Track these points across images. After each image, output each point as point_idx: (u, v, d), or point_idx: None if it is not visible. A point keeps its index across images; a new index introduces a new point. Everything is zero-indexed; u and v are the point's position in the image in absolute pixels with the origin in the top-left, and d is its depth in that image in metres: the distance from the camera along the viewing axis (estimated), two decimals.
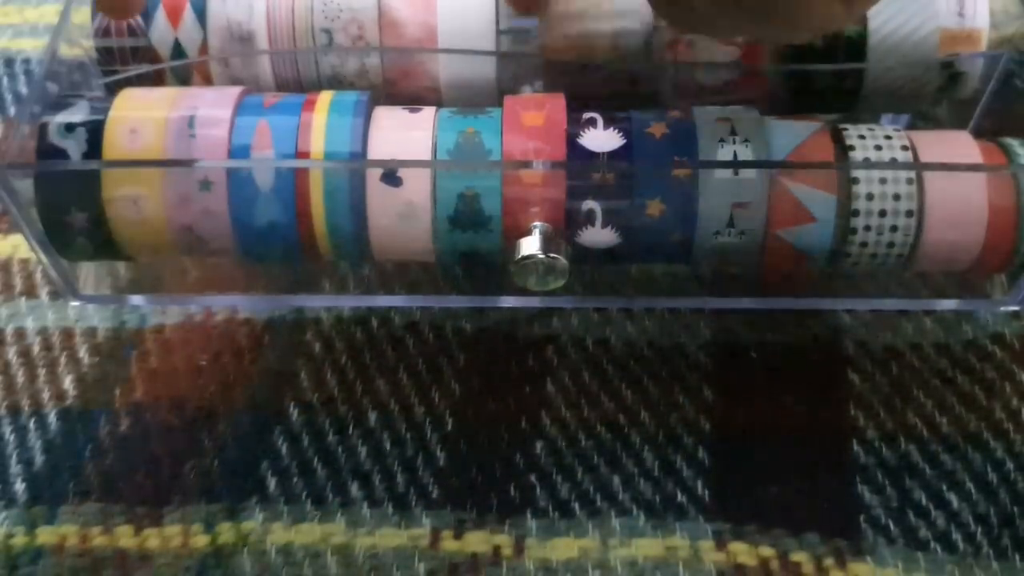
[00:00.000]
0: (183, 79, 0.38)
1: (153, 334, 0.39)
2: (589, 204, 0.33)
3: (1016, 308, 0.38)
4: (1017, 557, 0.33)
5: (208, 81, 0.38)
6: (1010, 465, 0.35)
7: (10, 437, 0.36)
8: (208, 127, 0.33)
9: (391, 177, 0.33)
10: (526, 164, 0.33)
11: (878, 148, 0.34)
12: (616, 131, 0.34)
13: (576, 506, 0.34)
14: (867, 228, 0.33)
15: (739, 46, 0.37)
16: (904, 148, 0.34)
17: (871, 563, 0.32)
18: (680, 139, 0.34)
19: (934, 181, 0.33)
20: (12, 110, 0.48)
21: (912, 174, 0.33)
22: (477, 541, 0.33)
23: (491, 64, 0.37)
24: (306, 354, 0.38)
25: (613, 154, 0.33)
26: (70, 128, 0.33)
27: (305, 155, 0.33)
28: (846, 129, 0.35)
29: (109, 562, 0.33)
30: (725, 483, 0.34)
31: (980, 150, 0.34)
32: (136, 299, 0.40)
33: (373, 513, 0.34)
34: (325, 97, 0.34)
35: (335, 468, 0.35)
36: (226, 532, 0.33)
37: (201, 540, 0.33)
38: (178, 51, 0.38)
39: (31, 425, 0.37)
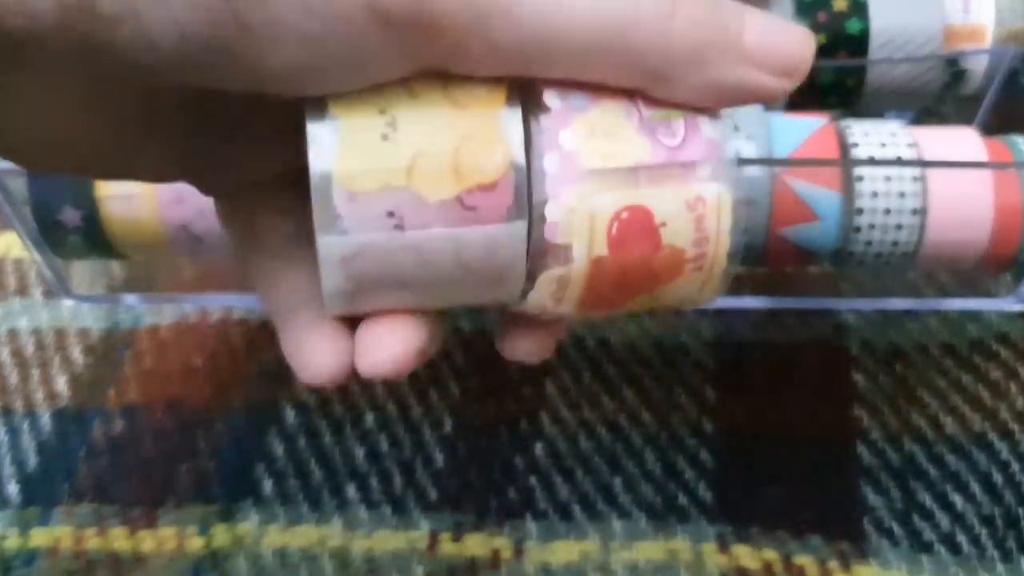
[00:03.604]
0: None
1: (147, 334, 0.39)
2: None
3: (1022, 308, 0.37)
4: (1022, 559, 0.32)
5: None
6: (1015, 466, 0.34)
7: (3, 438, 0.36)
8: None
9: None
10: None
11: (882, 145, 0.33)
12: None
13: (576, 508, 0.34)
14: (871, 226, 0.33)
15: None
16: (909, 145, 0.33)
17: (875, 566, 0.32)
18: None
19: (939, 178, 0.33)
20: None
21: (917, 172, 0.33)
22: (476, 544, 0.33)
23: None
24: None
25: None
26: None
27: None
28: (850, 126, 0.34)
29: (103, 564, 0.33)
30: (728, 485, 0.34)
31: (986, 147, 0.34)
32: (130, 299, 0.39)
33: (370, 515, 0.34)
34: None
35: (331, 470, 0.35)
36: (221, 534, 0.33)
37: (196, 542, 0.33)
38: None
39: (24, 426, 0.36)
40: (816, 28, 0.37)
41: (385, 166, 0.19)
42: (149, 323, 0.39)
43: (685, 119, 0.20)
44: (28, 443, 0.36)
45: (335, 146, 0.19)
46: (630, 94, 0.20)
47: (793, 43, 0.20)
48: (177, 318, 0.39)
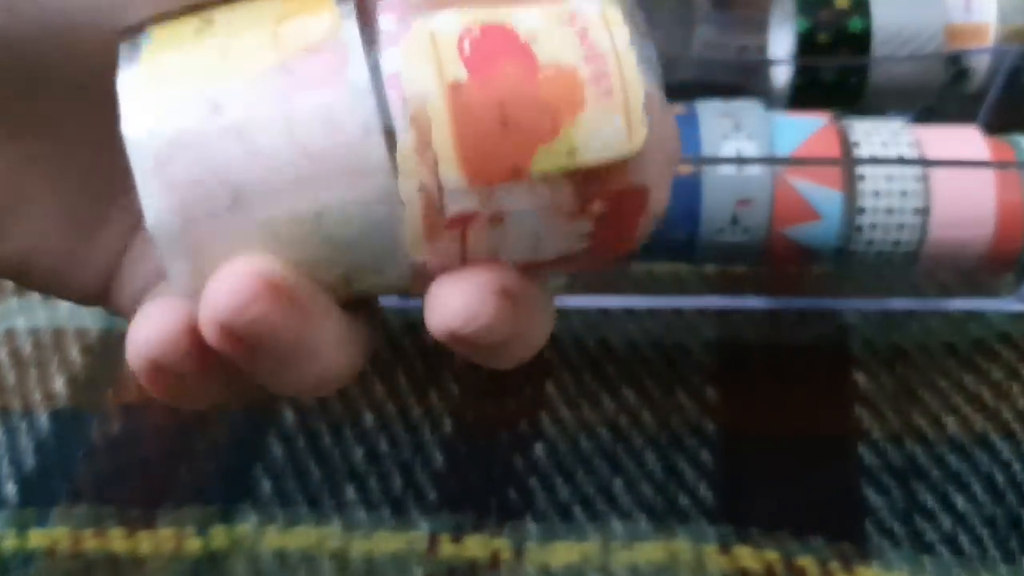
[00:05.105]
0: None
1: None
2: None
3: None
4: None
5: None
6: (1017, 467, 0.34)
7: (1, 438, 0.36)
8: None
9: None
10: None
11: (884, 144, 0.33)
12: None
13: (577, 509, 0.33)
14: (873, 226, 0.33)
15: None
16: (911, 144, 0.33)
17: (877, 567, 0.32)
18: (683, 135, 0.33)
19: (941, 177, 0.33)
20: None
21: (920, 171, 0.33)
22: (476, 545, 0.33)
23: None
24: None
25: None
26: None
27: None
28: (852, 125, 0.34)
29: (101, 565, 0.32)
30: (729, 486, 0.34)
31: (988, 145, 0.34)
32: None
33: (369, 516, 0.33)
34: None
35: (330, 470, 0.35)
36: (219, 535, 0.33)
37: (194, 543, 0.33)
38: None
39: (22, 426, 0.36)
40: (818, 26, 0.37)
41: (196, 48, 0.16)
42: None
43: None
44: (26, 443, 0.36)
45: (144, 48, 0.17)
46: None
47: None
48: None
